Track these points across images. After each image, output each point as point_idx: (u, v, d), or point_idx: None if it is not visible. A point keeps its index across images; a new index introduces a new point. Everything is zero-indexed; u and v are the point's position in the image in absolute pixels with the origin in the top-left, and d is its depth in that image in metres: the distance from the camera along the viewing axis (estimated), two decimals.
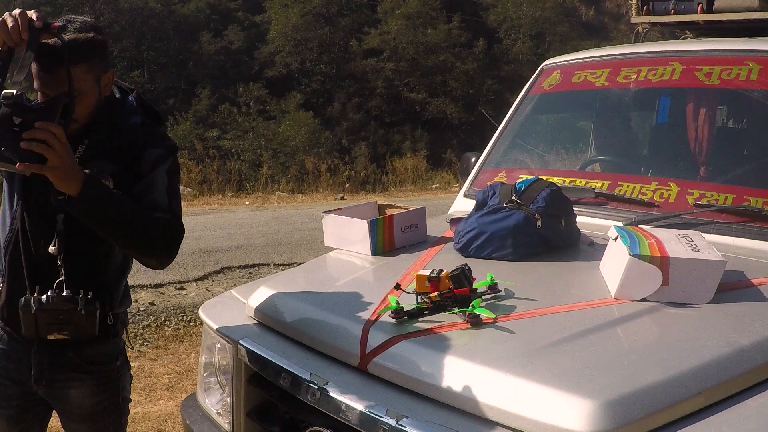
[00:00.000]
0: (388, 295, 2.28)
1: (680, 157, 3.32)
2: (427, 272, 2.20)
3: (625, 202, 3.08)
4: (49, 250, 2.27)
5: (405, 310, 2.15)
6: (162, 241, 2.28)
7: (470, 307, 2.10)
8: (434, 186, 20.39)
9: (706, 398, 1.75)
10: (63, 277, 2.27)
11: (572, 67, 3.80)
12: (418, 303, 2.19)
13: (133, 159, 2.32)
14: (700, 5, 3.89)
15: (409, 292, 2.26)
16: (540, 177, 2.94)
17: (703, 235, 2.46)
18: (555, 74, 3.84)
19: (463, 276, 2.16)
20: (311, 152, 28.36)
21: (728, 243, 2.69)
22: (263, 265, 9.32)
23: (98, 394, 2.48)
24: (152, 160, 2.33)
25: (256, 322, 2.59)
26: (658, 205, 2.98)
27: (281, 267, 9.28)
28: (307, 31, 34.86)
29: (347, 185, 18.95)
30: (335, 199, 16.99)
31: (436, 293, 2.16)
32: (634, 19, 4.24)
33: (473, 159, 4.05)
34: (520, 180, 2.89)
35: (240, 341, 2.45)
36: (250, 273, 8.93)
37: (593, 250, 2.78)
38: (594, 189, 3.19)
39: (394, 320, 2.13)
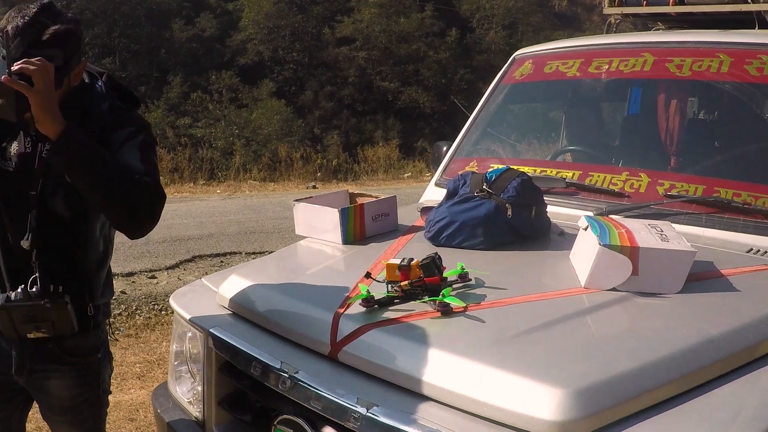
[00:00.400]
0: (359, 284, 2.27)
1: (651, 148, 3.34)
2: (397, 261, 2.20)
3: (596, 192, 3.10)
4: (22, 245, 2.23)
5: (375, 298, 2.14)
6: (146, 201, 2.17)
7: (440, 296, 2.09)
8: (406, 175, 20.39)
9: (676, 387, 1.77)
10: (37, 273, 2.24)
11: (544, 57, 3.80)
12: (388, 292, 2.18)
13: (105, 143, 2.24)
14: None
15: (379, 281, 2.26)
16: (511, 167, 2.94)
17: (673, 225, 2.48)
18: (527, 64, 3.85)
19: (433, 265, 2.16)
20: (284, 140, 28.25)
21: (698, 233, 2.72)
22: (235, 253, 9.28)
23: (79, 386, 2.45)
24: (121, 140, 2.26)
25: (227, 310, 2.57)
26: (628, 195, 3.00)
27: (253, 255, 9.24)
28: (280, 19, 34.66)
29: (319, 174, 18.90)
30: (307, 188, 16.94)
31: (406, 282, 2.16)
32: (607, 10, 4.25)
33: (445, 148, 4.04)
34: (491, 169, 2.89)
35: (211, 330, 2.43)
36: (222, 261, 8.88)
37: (563, 239, 2.79)
38: (565, 179, 3.20)
39: (364, 309, 2.13)
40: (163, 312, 6.87)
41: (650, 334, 1.99)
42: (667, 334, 1.97)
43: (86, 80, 2.38)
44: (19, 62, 1.99)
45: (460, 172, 3.19)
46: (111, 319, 2.64)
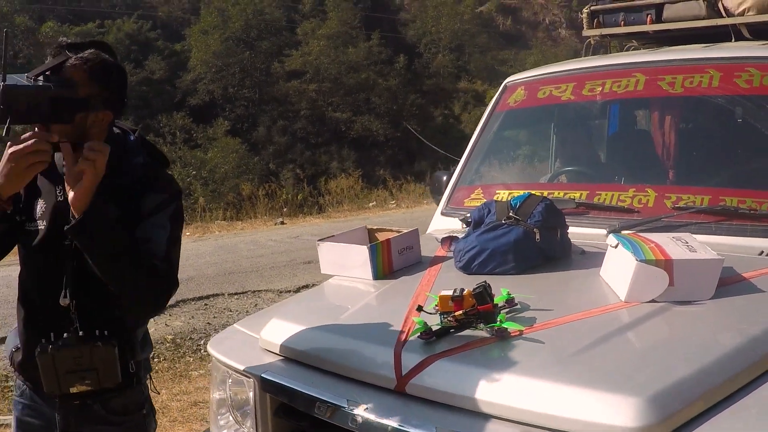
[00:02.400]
0: (411, 317, 2.37)
1: (653, 163, 3.51)
2: (449, 292, 2.30)
3: (606, 210, 3.24)
4: (60, 303, 2.25)
5: (433, 330, 2.24)
6: (152, 291, 2.24)
7: (497, 322, 2.20)
8: (371, 204, 20.55)
9: (732, 385, 1.90)
10: (77, 324, 2.25)
11: (536, 83, 3.96)
12: (442, 322, 2.27)
13: (134, 202, 2.29)
14: (649, 16, 4.10)
15: (430, 313, 2.35)
16: (532, 192, 3.07)
17: (695, 236, 2.62)
18: (519, 90, 4.00)
19: (485, 293, 2.27)
20: (241, 178, 28.24)
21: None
22: (217, 295, 9.30)
23: None
24: (155, 205, 2.31)
25: (272, 354, 2.64)
26: (638, 210, 3.15)
27: (235, 296, 9.29)
28: (228, 57, 34.75)
29: (285, 209, 18.95)
30: (275, 224, 16.97)
31: (460, 311, 2.26)
32: (586, 32, 4.42)
33: (445, 178, 4.17)
34: (514, 196, 3.01)
35: (263, 374, 2.49)
36: (206, 304, 8.89)
37: (586, 258, 2.92)
38: (574, 199, 3.33)
39: (423, 341, 2.22)
40: (157, 359, 6.87)
41: (698, 338, 2.14)
42: (713, 337, 2.12)
43: (118, 132, 2.40)
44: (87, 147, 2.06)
45: (484, 201, 3.31)
46: (152, 374, 2.67)
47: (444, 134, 39.48)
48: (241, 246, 12.77)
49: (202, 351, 7.24)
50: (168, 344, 7.38)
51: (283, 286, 9.77)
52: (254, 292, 9.51)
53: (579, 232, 3.16)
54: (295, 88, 37.25)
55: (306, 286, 9.64)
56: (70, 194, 2.08)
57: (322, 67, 36.78)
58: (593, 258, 2.83)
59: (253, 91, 35.91)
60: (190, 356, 7.11)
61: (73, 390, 2.26)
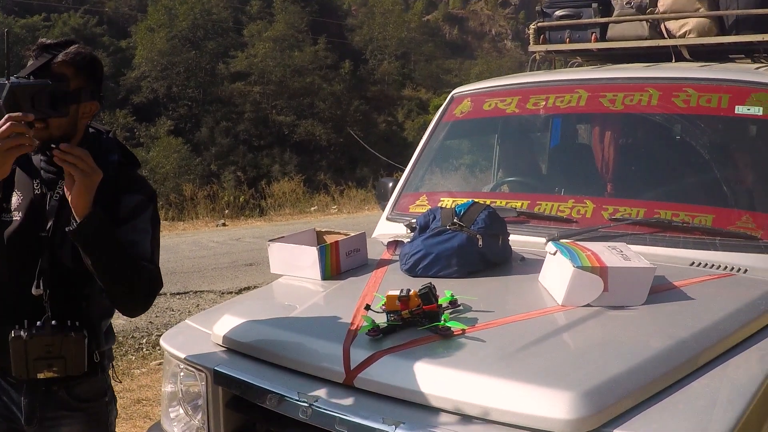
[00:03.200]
0: (359, 315, 2.48)
1: (592, 176, 3.67)
2: (396, 292, 2.41)
3: (546, 220, 3.39)
4: (33, 292, 2.33)
5: (380, 327, 2.35)
6: (144, 290, 2.39)
7: (441, 321, 2.32)
8: (312, 209, 20.59)
9: (660, 383, 2.06)
10: (49, 313, 2.32)
11: (482, 95, 4.11)
12: (389, 321, 2.39)
13: (112, 202, 2.38)
14: (594, 34, 4.28)
15: (377, 312, 2.46)
16: (475, 200, 3.20)
17: (629, 246, 2.78)
18: (466, 102, 4.14)
19: (430, 294, 2.39)
20: (182, 178, 28.03)
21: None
22: (159, 294, 9.16)
23: (88, 431, 2.53)
24: (133, 206, 2.41)
25: (224, 348, 2.71)
26: (576, 221, 3.30)
27: (177, 296, 9.28)
28: (174, 56, 34.48)
29: (226, 211, 18.90)
30: (217, 226, 16.92)
31: (406, 311, 2.37)
32: (532, 48, 4.59)
33: (390, 184, 4.29)
34: (459, 204, 3.14)
35: (216, 368, 2.56)
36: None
37: (526, 264, 3.06)
38: (515, 208, 3.47)
39: (370, 337, 2.33)
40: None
41: (630, 340, 2.29)
42: (644, 339, 2.27)
43: (93, 131, 2.49)
44: (60, 150, 2.15)
45: (429, 207, 3.43)
46: (114, 363, 2.74)
47: (387, 141, 39.76)
48: (183, 246, 12.71)
49: (144, 350, 7.25)
50: None
51: (225, 287, 9.78)
52: (196, 292, 9.51)
53: (519, 240, 3.29)
54: (239, 89, 37.12)
55: (248, 288, 9.67)
56: (69, 197, 2.18)
57: (268, 70, 36.73)
58: (533, 264, 2.98)
59: (197, 91, 35.71)
60: (132, 354, 7.11)
61: (40, 375, 2.33)
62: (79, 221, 2.19)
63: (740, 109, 3.29)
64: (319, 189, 24.00)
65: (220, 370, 2.55)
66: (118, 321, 8.00)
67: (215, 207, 18.84)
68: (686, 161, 3.37)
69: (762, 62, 4.03)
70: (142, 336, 7.65)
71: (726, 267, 2.93)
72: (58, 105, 2.21)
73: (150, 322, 8.11)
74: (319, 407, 2.20)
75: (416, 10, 42.99)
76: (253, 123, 37.55)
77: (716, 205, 3.17)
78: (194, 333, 2.97)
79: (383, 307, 2.45)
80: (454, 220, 3.00)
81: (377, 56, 41.37)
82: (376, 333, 2.33)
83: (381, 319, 2.40)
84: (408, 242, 3.10)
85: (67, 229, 2.21)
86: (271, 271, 3.29)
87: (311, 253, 3.10)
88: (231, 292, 9.50)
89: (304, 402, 2.24)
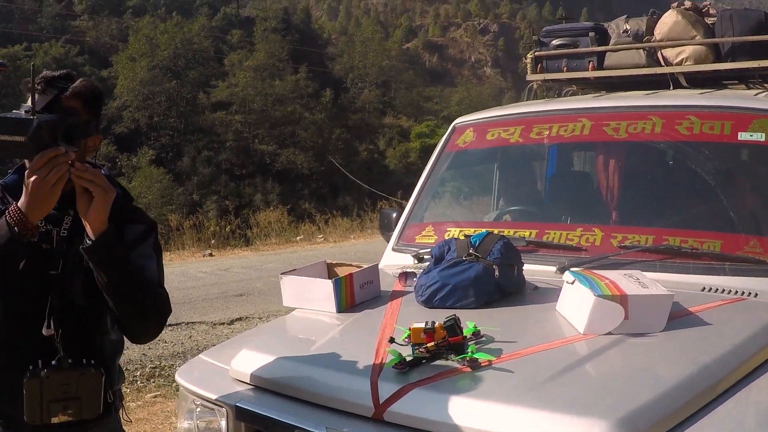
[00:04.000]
0: (383, 348, 2.49)
1: (599, 204, 3.71)
2: (421, 324, 2.42)
3: (555, 248, 3.42)
4: (44, 332, 2.28)
5: (407, 360, 2.36)
6: (156, 313, 2.37)
7: (468, 353, 2.33)
8: (298, 238, 20.58)
9: (689, 409, 2.09)
10: (62, 353, 2.27)
11: (485, 125, 4.15)
12: (414, 353, 2.39)
13: (117, 232, 2.32)
14: (591, 63, 4.34)
15: (401, 344, 2.47)
16: (490, 230, 3.22)
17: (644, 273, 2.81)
18: (468, 132, 4.18)
19: (456, 326, 2.40)
20: (164, 209, 27.96)
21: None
22: None
23: None
24: (136, 235, 2.41)
25: (244, 384, 2.70)
26: (585, 249, 3.33)
27: (169, 328, 9.19)
28: (155, 85, 34.50)
29: (213, 241, 18.85)
30: (204, 256, 16.87)
31: (432, 343, 2.38)
32: (530, 77, 4.64)
33: (394, 215, 4.31)
34: (473, 234, 3.16)
35: (238, 404, 2.56)
36: None
37: (539, 293, 3.09)
38: (524, 238, 3.50)
39: (397, 370, 2.34)
40: None
41: (656, 367, 2.32)
42: (669, 366, 2.30)
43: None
44: (76, 168, 2.13)
45: (433, 238, 3.46)
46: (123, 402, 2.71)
47: (368, 169, 39.88)
48: (171, 277, 12.58)
49: (138, 382, 7.20)
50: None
51: (216, 318, 9.74)
52: (188, 323, 9.47)
53: (529, 269, 3.30)
54: (220, 119, 37.18)
55: (239, 319, 9.65)
56: (86, 215, 2.17)
57: (249, 99, 36.83)
58: (547, 293, 3.01)
59: (178, 120, 35.71)
60: (126, 387, 7.03)
61: (55, 420, 2.26)
62: (94, 238, 2.17)
63: (743, 136, 3.35)
64: (304, 218, 24.01)
65: (243, 406, 2.55)
66: None
67: (201, 237, 18.78)
68: (692, 188, 3.42)
69: (757, 88, 4.11)
70: (136, 368, 7.59)
71: (737, 291, 2.96)
72: (73, 137, 2.21)
73: (143, 354, 8.05)
74: None
75: (396, 38, 43.46)
76: (234, 152, 37.61)
77: (724, 231, 3.21)
78: (210, 368, 2.97)
79: (407, 339, 2.47)
80: (470, 251, 3.02)
81: (358, 84, 41.59)
82: (403, 366, 2.34)
83: (405, 352, 2.41)
84: (423, 273, 3.11)
85: (81, 247, 2.18)
86: (283, 304, 3.29)
87: (326, 286, 3.11)
88: (223, 323, 9.47)
89: None
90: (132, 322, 2.36)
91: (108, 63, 37.28)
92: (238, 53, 38.52)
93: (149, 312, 2.35)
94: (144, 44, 35.01)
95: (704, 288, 3.00)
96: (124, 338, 2.55)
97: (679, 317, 2.64)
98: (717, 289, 2.99)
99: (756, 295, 2.93)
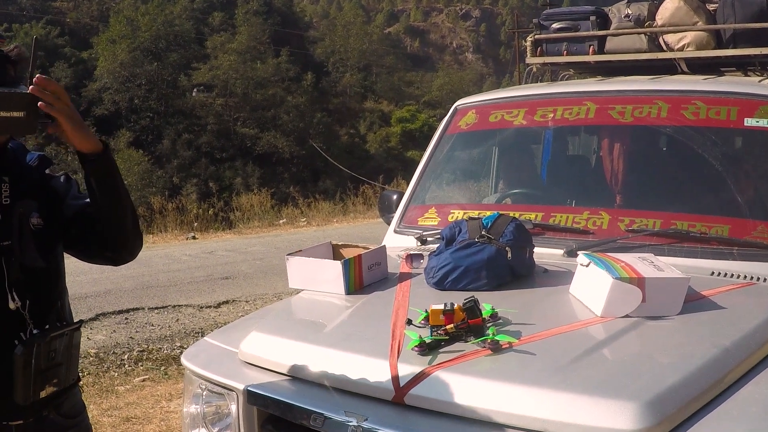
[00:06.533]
0: (400, 330, 2.46)
1: (606, 188, 3.69)
2: (440, 306, 2.40)
3: (562, 231, 3.40)
4: (10, 306, 2.15)
5: (426, 342, 2.33)
6: (138, 233, 2.35)
7: (489, 335, 2.32)
8: (282, 221, 20.51)
9: (713, 391, 2.09)
10: (30, 323, 2.17)
11: (488, 107, 4.12)
12: (433, 335, 2.37)
13: (45, 192, 2.28)
14: (592, 47, 4.32)
15: (419, 326, 2.45)
16: (501, 213, 3.20)
17: (658, 257, 2.81)
18: (471, 114, 4.15)
19: (475, 307, 2.39)
20: (144, 191, 27.78)
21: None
22: (138, 309, 9.17)
23: None
24: (63, 185, 2.32)
25: (253, 367, 2.67)
26: (592, 232, 3.32)
27: (156, 311, 9.17)
28: (135, 68, 34.18)
29: (196, 224, 18.75)
30: (187, 239, 16.78)
31: (451, 325, 2.36)
32: (529, 60, 4.61)
33: (395, 197, 4.27)
34: (485, 216, 3.14)
35: (250, 387, 2.51)
36: (126, 318, 8.75)
37: (550, 276, 3.07)
38: (531, 220, 3.48)
39: (417, 353, 2.31)
40: (81, 373, 6.73)
41: (676, 349, 2.32)
42: (690, 349, 2.29)
43: None
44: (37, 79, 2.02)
45: (453, 221, 3.42)
46: None
47: (349, 153, 39.79)
48: (156, 260, 12.57)
49: (126, 366, 7.14)
50: (91, 358, 7.24)
51: (203, 301, 9.69)
52: (175, 306, 9.40)
53: (536, 252, 3.29)
54: (201, 101, 36.93)
55: (226, 302, 9.61)
56: (73, 138, 2.07)
57: (230, 82, 36.58)
58: (557, 276, 3.00)
59: (159, 103, 35.40)
60: (114, 371, 6.99)
61: (43, 394, 2.18)
62: (99, 151, 2.10)
63: (749, 122, 3.35)
64: (287, 201, 23.94)
65: (255, 390, 2.50)
66: (98, 337, 7.93)
67: (183, 220, 18.68)
68: (699, 172, 3.41)
69: (757, 75, 4.11)
70: (123, 352, 7.53)
71: (746, 276, 2.96)
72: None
73: (130, 337, 8.00)
74: (369, 426, 2.17)
75: (378, 22, 43.30)
76: (215, 135, 37.39)
77: (731, 216, 3.21)
78: (217, 351, 2.93)
79: (423, 321, 2.45)
80: (482, 233, 3.00)
81: (339, 68, 41.41)
82: (422, 348, 2.32)
83: (424, 334, 2.38)
84: (433, 255, 3.09)
85: (85, 166, 2.11)
86: (289, 285, 3.26)
87: (335, 267, 3.07)
88: (210, 306, 9.42)
89: (352, 421, 2.20)
90: (126, 237, 2.29)
91: (89, 44, 36.82)
92: (220, 35, 38.22)
93: (136, 224, 2.32)
94: (124, 26, 34.59)
95: (713, 272, 3.00)
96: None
97: (693, 300, 2.63)
98: (726, 274, 2.98)
99: (765, 280, 2.92)
